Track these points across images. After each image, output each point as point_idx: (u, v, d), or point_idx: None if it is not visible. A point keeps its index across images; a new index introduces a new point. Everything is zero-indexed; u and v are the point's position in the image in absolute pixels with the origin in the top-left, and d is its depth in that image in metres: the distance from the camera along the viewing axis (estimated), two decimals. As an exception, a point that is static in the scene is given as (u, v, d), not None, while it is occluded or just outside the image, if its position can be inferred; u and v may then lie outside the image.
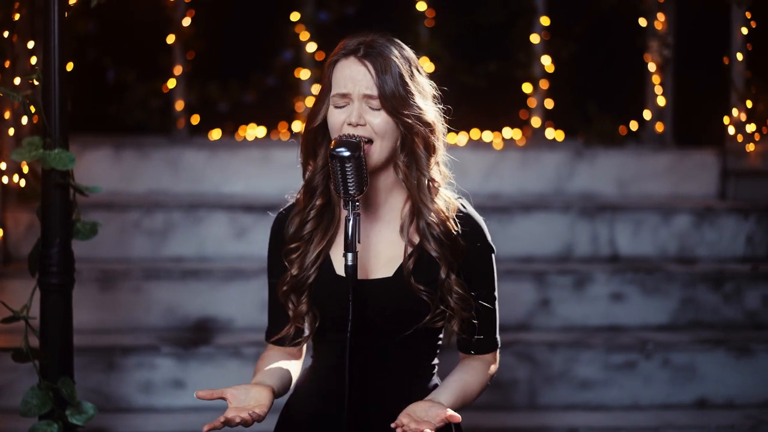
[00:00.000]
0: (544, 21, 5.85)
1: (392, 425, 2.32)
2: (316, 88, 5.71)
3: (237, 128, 5.81)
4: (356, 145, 2.33)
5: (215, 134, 5.75)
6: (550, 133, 5.86)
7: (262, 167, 5.23)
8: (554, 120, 5.89)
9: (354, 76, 2.44)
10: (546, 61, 5.84)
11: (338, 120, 2.45)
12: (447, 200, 2.52)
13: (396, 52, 2.46)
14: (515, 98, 5.83)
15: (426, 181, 2.48)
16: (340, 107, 2.46)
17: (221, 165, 5.21)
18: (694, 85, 5.63)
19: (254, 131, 5.79)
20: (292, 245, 2.52)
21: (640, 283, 4.51)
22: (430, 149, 2.49)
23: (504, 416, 4.06)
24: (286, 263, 2.53)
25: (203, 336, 4.24)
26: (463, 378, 2.54)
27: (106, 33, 5.58)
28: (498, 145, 5.54)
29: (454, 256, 2.48)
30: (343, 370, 2.42)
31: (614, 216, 4.86)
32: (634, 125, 5.82)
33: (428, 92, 2.51)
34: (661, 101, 5.77)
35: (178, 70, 5.69)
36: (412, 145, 2.47)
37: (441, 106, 2.54)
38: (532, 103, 5.86)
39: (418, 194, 2.48)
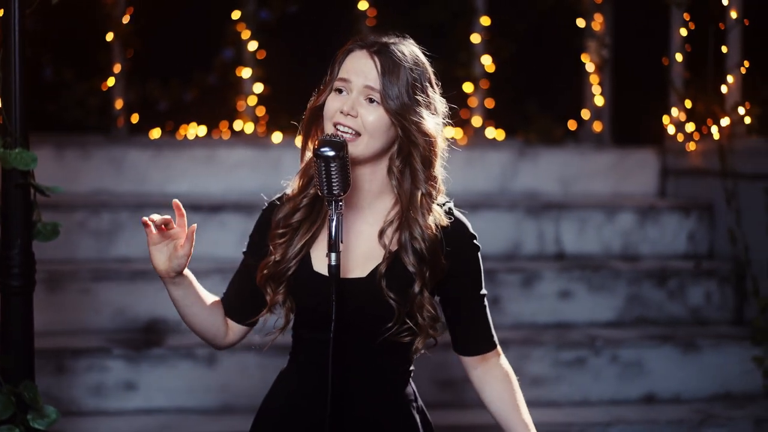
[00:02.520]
0: (485, 21, 5.90)
1: None
2: (257, 87, 5.70)
3: (177, 127, 5.75)
4: (341, 145, 2.32)
5: (155, 133, 5.69)
6: (491, 132, 5.91)
7: (207, 167, 5.20)
8: (495, 119, 5.95)
9: (360, 67, 2.42)
10: (486, 60, 5.89)
11: (333, 106, 2.43)
12: (437, 216, 2.47)
13: (411, 61, 2.43)
14: (456, 98, 5.82)
15: (419, 195, 2.45)
16: (339, 93, 2.44)
17: (165, 164, 5.15)
18: (633, 85, 5.72)
19: (195, 130, 5.74)
20: (280, 230, 2.49)
21: (586, 280, 4.57)
22: (428, 163, 2.46)
23: (457, 414, 4.07)
24: (271, 247, 2.49)
25: (154, 337, 4.19)
26: (520, 402, 2.58)
27: (44, 30, 5.48)
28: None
29: (432, 275, 2.45)
30: (318, 368, 2.41)
31: (560, 214, 4.92)
32: (572, 124, 5.90)
33: (438, 109, 2.47)
34: (599, 101, 5.85)
35: (117, 68, 5.62)
36: (409, 157, 2.44)
37: (443, 120, 2.49)
38: (472, 102, 5.91)
39: (409, 206, 2.44)
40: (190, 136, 5.71)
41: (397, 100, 2.41)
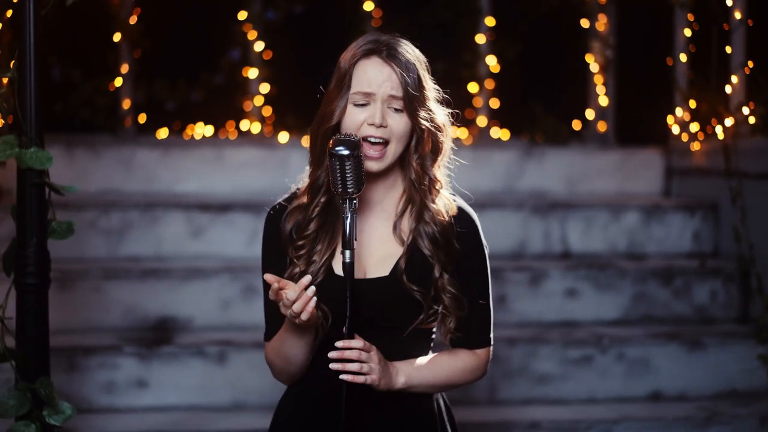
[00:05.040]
0: (489, 21, 5.93)
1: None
2: (264, 87, 5.73)
3: (184, 127, 5.78)
4: (355, 144, 2.35)
5: (162, 133, 5.72)
6: (496, 132, 5.94)
7: (215, 167, 5.23)
8: (499, 119, 5.98)
9: (379, 77, 2.45)
10: (491, 61, 5.92)
11: (358, 119, 2.46)
12: (447, 202, 2.54)
13: (415, 53, 2.51)
14: (462, 98, 5.89)
15: (428, 182, 2.52)
16: (361, 106, 2.46)
17: (174, 164, 5.19)
18: (637, 85, 5.75)
19: (202, 130, 5.77)
20: (299, 243, 2.51)
21: (593, 279, 4.60)
22: (437, 151, 2.53)
23: (465, 411, 4.09)
24: (294, 259, 2.52)
25: (164, 335, 4.23)
26: (443, 357, 2.57)
27: (51, 30, 5.49)
28: (446, 143, 5.59)
29: (448, 257, 2.51)
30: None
31: (566, 214, 4.95)
32: (577, 124, 5.93)
33: (435, 95, 2.55)
34: (604, 101, 5.88)
35: (124, 68, 5.66)
36: (422, 149, 2.51)
37: (449, 110, 2.58)
38: (477, 102, 5.94)
39: (420, 194, 2.51)
40: (197, 136, 5.74)
41: (416, 102, 2.47)
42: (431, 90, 2.53)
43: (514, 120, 5.91)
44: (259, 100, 5.77)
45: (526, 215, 4.93)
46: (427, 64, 2.55)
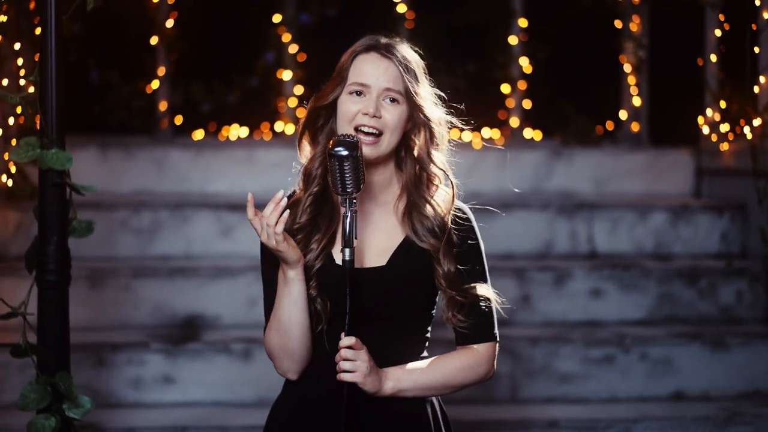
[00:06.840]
0: (522, 23, 5.96)
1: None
2: (298, 89, 5.80)
3: (220, 128, 5.88)
4: (354, 145, 2.41)
5: (198, 134, 5.82)
6: (528, 133, 5.96)
7: (246, 167, 5.31)
8: (532, 120, 6.00)
9: (376, 70, 2.54)
10: (524, 62, 5.94)
11: (353, 109, 2.54)
12: (445, 196, 2.60)
13: (413, 54, 2.60)
14: (494, 99, 5.93)
15: (425, 177, 2.59)
16: (357, 96, 2.54)
17: (206, 165, 5.28)
18: (669, 85, 5.75)
19: (237, 131, 5.87)
20: (296, 227, 2.57)
21: (617, 279, 4.61)
22: (434, 146, 2.59)
23: (486, 409, 4.14)
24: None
25: (191, 333, 4.31)
26: (437, 358, 2.59)
27: (89, 34, 5.64)
28: (477, 144, 5.63)
29: (445, 251, 2.55)
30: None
31: (592, 214, 4.96)
32: (610, 125, 5.94)
33: (432, 95, 2.62)
34: (637, 101, 5.89)
35: (161, 71, 5.76)
36: (416, 144, 2.58)
37: (446, 109, 2.64)
38: (510, 103, 5.97)
39: (418, 189, 2.58)
40: (233, 138, 5.84)
41: (416, 96, 2.55)
42: (428, 88, 2.60)
43: (547, 121, 5.94)
44: (293, 102, 5.85)
45: (552, 215, 4.95)
46: (425, 67, 2.62)
